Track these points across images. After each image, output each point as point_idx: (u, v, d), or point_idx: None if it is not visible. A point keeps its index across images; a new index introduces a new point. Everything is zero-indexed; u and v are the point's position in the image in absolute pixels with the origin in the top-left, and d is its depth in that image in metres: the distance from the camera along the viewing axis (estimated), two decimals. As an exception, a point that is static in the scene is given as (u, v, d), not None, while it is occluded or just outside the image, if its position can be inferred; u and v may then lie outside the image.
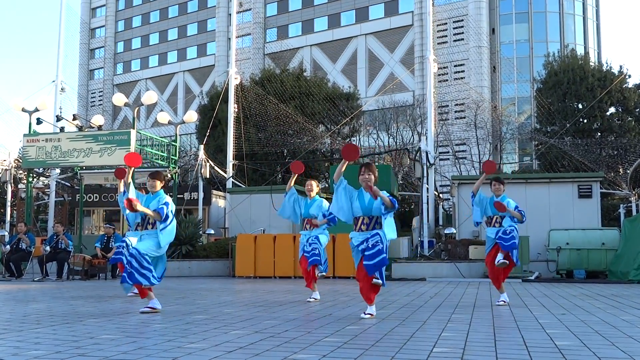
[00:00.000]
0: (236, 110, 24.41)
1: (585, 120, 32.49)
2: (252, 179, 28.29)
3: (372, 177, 6.45)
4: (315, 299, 8.66)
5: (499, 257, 8.18)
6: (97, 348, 4.65)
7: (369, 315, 6.56)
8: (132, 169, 7.45)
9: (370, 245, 6.40)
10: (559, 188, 17.85)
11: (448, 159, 37.56)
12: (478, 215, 8.62)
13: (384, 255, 6.41)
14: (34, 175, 23.80)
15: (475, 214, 8.66)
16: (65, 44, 28.31)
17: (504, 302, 8.14)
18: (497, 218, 8.41)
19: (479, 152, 35.44)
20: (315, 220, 8.75)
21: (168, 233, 7.24)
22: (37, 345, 4.82)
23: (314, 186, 9.00)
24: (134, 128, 19.22)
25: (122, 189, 7.73)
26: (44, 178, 28.10)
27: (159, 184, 7.38)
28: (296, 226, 9.39)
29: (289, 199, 8.97)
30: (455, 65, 50.35)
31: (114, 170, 21.59)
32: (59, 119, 21.64)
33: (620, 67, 34.51)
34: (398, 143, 36.43)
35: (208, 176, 23.38)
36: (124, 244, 7.66)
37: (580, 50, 45.39)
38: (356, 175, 6.55)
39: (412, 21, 54.90)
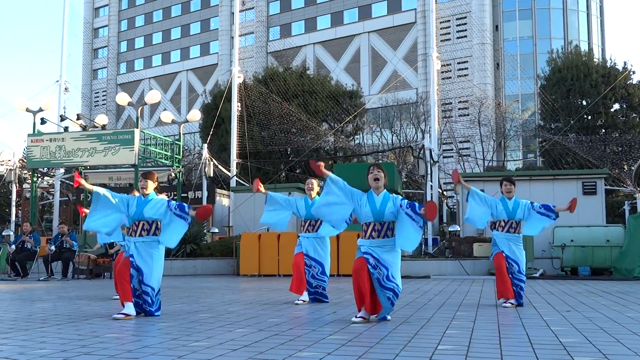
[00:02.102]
0: (239, 108, 24.43)
1: (589, 117, 32.40)
2: (255, 177, 28.28)
3: (383, 175, 6.18)
4: (304, 300, 8.18)
5: (500, 301, 7.86)
6: (102, 347, 4.66)
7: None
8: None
9: (384, 278, 5.99)
10: (563, 185, 17.81)
11: (452, 156, 37.48)
12: (482, 218, 7.77)
13: (398, 290, 6.06)
14: (39, 175, 23.87)
15: (479, 216, 7.77)
16: (69, 43, 28.39)
17: (511, 304, 7.72)
18: (512, 223, 7.76)
19: (483, 149, 35.38)
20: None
21: (173, 234, 6.82)
22: (42, 344, 4.84)
23: (315, 185, 8.53)
24: (137, 127, 19.26)
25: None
26: (49, 178, 28.18)
27: (151, 185, 6.95)
28: (299, 224, 8.95)
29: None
30: (458, 63, 50.19)
31: (118, 169, 21.73)
32: (62, 118, 21.70)
33: (625, 63, 34.42)
34: (402, 141, 36.40)
35: (212, 175, 23.42)
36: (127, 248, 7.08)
37: (584, 47, 45.22)
38: (362, 175, 6.34)
39: (415, 19, 54.77)
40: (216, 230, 21.14)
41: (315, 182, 8.66)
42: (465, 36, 51.37)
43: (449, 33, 51.55)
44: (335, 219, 6.23)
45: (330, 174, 6.16)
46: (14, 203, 25.19)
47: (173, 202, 6.91)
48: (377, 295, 6.03)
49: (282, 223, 8.61)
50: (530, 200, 7.99)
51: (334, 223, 6.30)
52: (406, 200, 6.11)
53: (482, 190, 8.03)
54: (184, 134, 23.14)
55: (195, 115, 22.96)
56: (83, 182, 7.10)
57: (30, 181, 22.90)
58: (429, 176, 20.03)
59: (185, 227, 6.83)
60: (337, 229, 6.44)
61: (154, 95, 20.38)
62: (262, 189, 8.51)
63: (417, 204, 6.04)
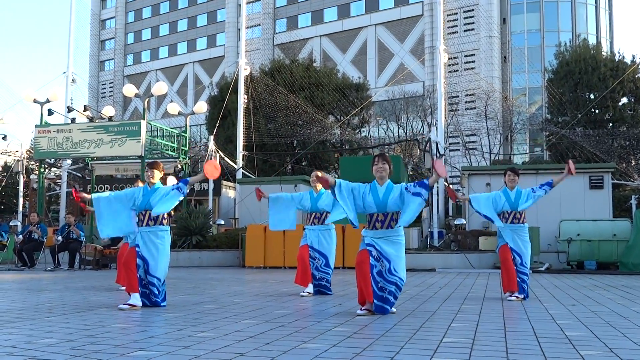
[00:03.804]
0: (246, 101, 24.42)
1: (597, 111, 32.21)
2: (261, 169, 28.31)
3: (387, 166, 6.17)
4: (309, 292, 8.22)
5: (506, 295, 7.82)
6: (108, 337, 4.69)
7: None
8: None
9: (386, 271, 5.98)
10: (570, 179, 17.60)
11: (458, 149, 37.38)
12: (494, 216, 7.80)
13: (401, 283, 6.06)
14: (46, 166, 23.94)
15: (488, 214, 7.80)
16: (76, 35, 28.40)
17: (517, 297, 7.67)
18: (515, 213, 7.74)
19: (490, 142, 35.27)
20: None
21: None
22: (49, 333, 4.87)
23: None
24: (144, 119, 19.28)
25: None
26: (56, 169, 28.28)
27: (157, 175, 6.99)
28: (305, 217, 8.95)
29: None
30: (465, 56, 49.95)
31: (124, 160, 21.83)
32: (70, 110, 21.74)
33: (633, 56, 34.16)
34: (408, 134, 36.32)
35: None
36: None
37: (592, 40, 44.90)
38: (368, 168, 6.29)
39: (422, 11, 54.52)
40: (222, 222, 21.18)
41: (320, 174, 8.67)
42: (473, 29, 51.11)
43: (456, 26, 51.28)
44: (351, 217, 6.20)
45: (335, 184, 6.10)
46: (21, 194, 25.31)
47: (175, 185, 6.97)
48: (372, 288, 5.96)
49: (290, 223, 8.63)
50: (531, 188, 7.95)
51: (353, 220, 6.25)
52: (411, 183, 6.11)
53: (488, 184, 8.05)
54: (190, 126, 23.16)
55: (202, 107, 22.95)
56: (83, 195, 7.26)
57: (37, 172, 22.97)
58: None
59: (177, 197, 6.84)
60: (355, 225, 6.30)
61: (160, 87, 20.38)
62: (264, 194, 8.54)
63: (425, 179, 6.12)
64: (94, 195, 7.05)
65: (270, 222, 8.73)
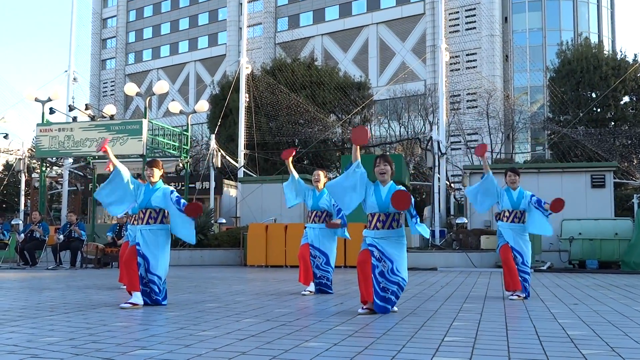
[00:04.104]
0: (247, 99, 24.41)
1: (598, 110, 32.19)
2: (263, 168, 28.32)
3: (389, 168, 6.15)
4: (311, 291, 8.22)
5: (508, 293, 7.81)
6: (110, 335, 4.69)
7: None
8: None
9: (389, 271, 5.96)
10: (571, 178, 17.73)
11: (460, 148, 37.37)
12: (485, 205, 7.96)
13: (403, 283, 6.05)
14: (47, 165, 23.97)
15: (480, 200, 7.93)
16: (77, 34, 28.42)
17: (518, 296, 7.64)
18: (516, 213, 7.76)
19: (491, 141, 35.23)
20: (336, 221, 8.03)
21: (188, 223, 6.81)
22: (51, 332, 4.87)
23: (322, 176, 8.60)
24: (145, 118, 19.28)
25: None
26: (57, 167, 28.31)
27: (157, 173, 6.95)
28: (306, 215, 8.96)
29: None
30: (467, 54, 49.88)
31: (126, 159, 21.80)
32: (71, 108, 21.75)
33: (635, 55, 34.17)
34: (409, 132, 36.29)
35: (219, 165, 23.45)
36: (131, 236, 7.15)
37: (594, 39, 44.85)
38: (370, 167, 6.22)
39: (423, 10, 54.46)
40: (224, 221, 21.19)
41: (322, 173, 8.73)
42: (474, 28, 51.03)
43: (458, 24, 51.22)
44: (345, 204, 6.14)
45: (359, 158, 6.08)
46: (22, 192, 25.33)
47: (175, 193, 6.89)
48: (373, 288, 5.95)
49: (293, 202, 8.68)
50: (531, 193, 7.97)
51: (343, 207, 6.21)
52: None
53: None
54: (191, 125, 23.15)
55: (203, 106, 22.94)
56: (109, 150, 7.04)
57: (39, 171, 22.99)
58: (436, 168, 19.99)
59: (192, 223, 6.82)
60: (344, 212, 6.29)
61: (162, 86, 20.37)
62: (290, 161, 8.45)
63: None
64: (120, 167, 6.94)
65: (286, 185, 8.76)
